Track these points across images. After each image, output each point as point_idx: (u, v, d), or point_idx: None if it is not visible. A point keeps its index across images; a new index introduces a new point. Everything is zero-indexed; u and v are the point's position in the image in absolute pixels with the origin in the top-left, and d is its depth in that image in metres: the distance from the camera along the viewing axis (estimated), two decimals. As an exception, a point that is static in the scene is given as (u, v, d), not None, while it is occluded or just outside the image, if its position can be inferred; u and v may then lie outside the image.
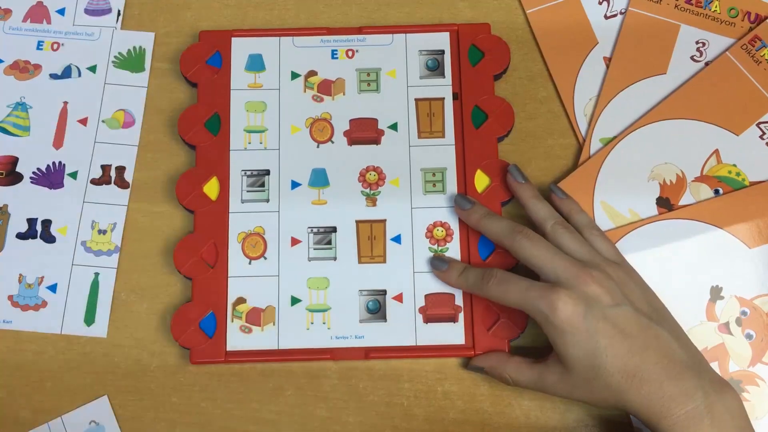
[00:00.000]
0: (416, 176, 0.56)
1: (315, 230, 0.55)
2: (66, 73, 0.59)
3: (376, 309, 0.54)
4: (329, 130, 0.57)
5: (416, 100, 0.58)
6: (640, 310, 0.47)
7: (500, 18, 0.61)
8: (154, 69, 0.60)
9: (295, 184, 0.56)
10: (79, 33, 0.60)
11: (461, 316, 0.54)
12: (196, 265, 0.54)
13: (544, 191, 0.56)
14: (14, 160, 0.58)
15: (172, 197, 0.56)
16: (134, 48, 0.60)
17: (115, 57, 0.60)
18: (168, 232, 0.56)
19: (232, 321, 0.53)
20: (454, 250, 0.55)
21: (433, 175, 0.56)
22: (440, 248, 0.55)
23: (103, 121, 0.58)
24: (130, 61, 0.60)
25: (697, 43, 0.59)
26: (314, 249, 0.55)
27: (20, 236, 0.56)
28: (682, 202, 0.56)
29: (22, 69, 0.59)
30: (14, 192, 0.57)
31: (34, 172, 0.57)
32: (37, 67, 0.59)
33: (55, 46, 0.60)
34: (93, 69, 0.59)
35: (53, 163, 0.57)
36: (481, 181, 0.56)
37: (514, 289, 0.48)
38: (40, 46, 0.60)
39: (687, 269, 0.55)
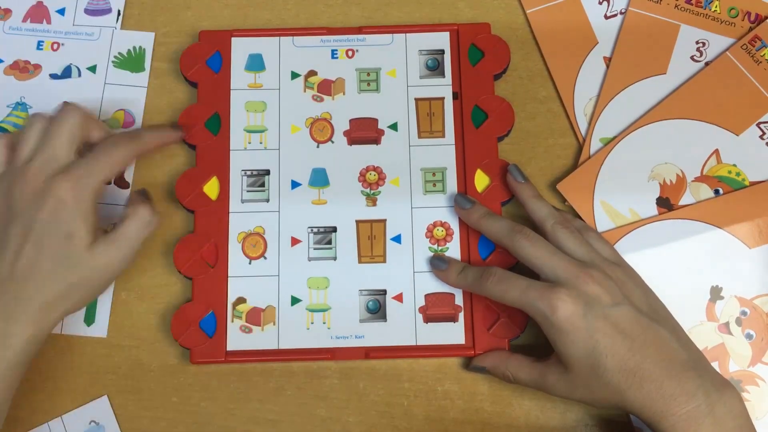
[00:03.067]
0: (416, 176, 0.56)
1: (315, 230, 0.55)
2: (66, 73, 0.59)
3: (376, 309, 0.54)
4: (329, 130, 0.57)
5: (416, 99, 0.58)
6: (640, 310, 0.47)
7: (500, 18, 0.61)
8: (154, 69, 0.60)
9: (295, 184, 0.56)
10: (79, 33, 0.60)
11: (461, 315, 0.54)
12: (196, 265, 0.54)
13: (544, 191, 0.57)
14: (14, 160, 0.57)
15: (172, 197, 0.56)
16: (134, 48, 0.60)
17: (115, 57, 0.60)
18: (168, 232, 0.56)
19: (232, 321, 0.53)
20: (454, 249, 0.55)
21: (433, 174, 0.56)
22: (440, 248, 0.55)
23: (103, 121, 0.58)
24: (130, 61, 0.60)
25: (697, 43, 0.59)
26: (314, 249, 0.55)
27: (20, 236, 0.56)
28: (682, 202, 0.56)
29: (22, 69, 0.59)
30: (14, 192, 0.57)
31: (34, 172, 0.57)
32: (37, 67, 0.59)
33: (55, 46, 0.60)
34: (93, 69, 0.59)
35: (53, 163, 0.57)
36: (481, 180, 0.56)
37: (513, 288, 0.48)
38: (40, 46, 0.60)
39: (687, 269, 0.55)
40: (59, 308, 0.48)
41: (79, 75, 0.59)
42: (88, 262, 0.48)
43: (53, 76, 0.59)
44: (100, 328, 0.55)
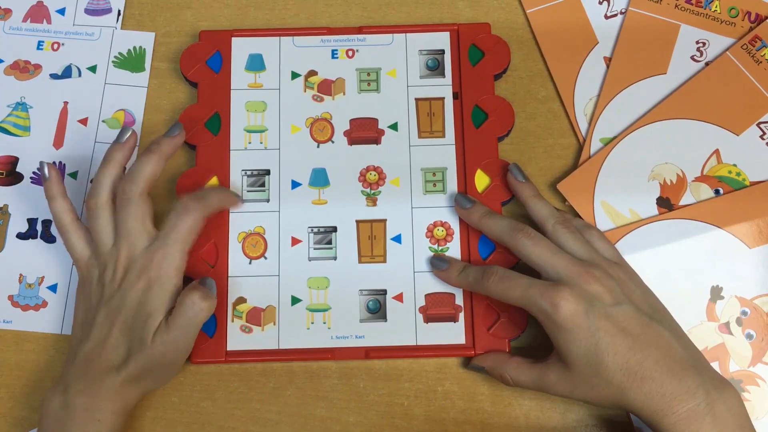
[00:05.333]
0: (416, 176, 0.56)
1: (315, 230, 0.55)
2: (66, 73, 0.59)
3: (377, 309, 0.54)
4: (329, 130, 0.57)
5: (416, 99, 0.58)
6: (641, 309, 0.47)
7: (500, 18, 0.61)
8: (154, 69, 0.60)
9: (295, 184, 0.56)
10: (79, 33, 0.60)
11: (461, 315, 0.54)
12: (196, 265, 0.54)
13: (544, 191, 0.57)
14: (14, 160, 0.58)
15: (172, 197, 0.56)
16: (134, 48, 0.60)
17: (115, 57, 0.60)
18: (168, 232, 0.56)
19: (233, 321, 0.53)
20: (454, 249, 0.55)
21: (434, 174, 0.56)
22: (440, 248, 0.55)
23: (103, 121, 0.58)
24: (130, 61, 0.60)
25: (697, 43, 0.59)
26: (314, 249, 0.55)
27: (20, 236, 0.56)
28: (682, 202, 0.56)
29: (22, 69, 0.59)
30: (14, 192, 0.57)
31: (34, 172, 0.57)
32: (37, 67, 0.59)
33: (55, 46, 0.60)
34: (93, 69, 0.59)
35: (53, 163, 0.57)
36: (482, 180, 0.56)
37: (515, 286, 0.48)
38: (40, 46, 0.60)
39: (687, 269, 0.55)
40: (139, 386, 0.49)
41: (79, 75, 0.59)
42: (148, 349, 0.48)
43: (53, 76, 0.59)
44: (100, 328, 0.54)
